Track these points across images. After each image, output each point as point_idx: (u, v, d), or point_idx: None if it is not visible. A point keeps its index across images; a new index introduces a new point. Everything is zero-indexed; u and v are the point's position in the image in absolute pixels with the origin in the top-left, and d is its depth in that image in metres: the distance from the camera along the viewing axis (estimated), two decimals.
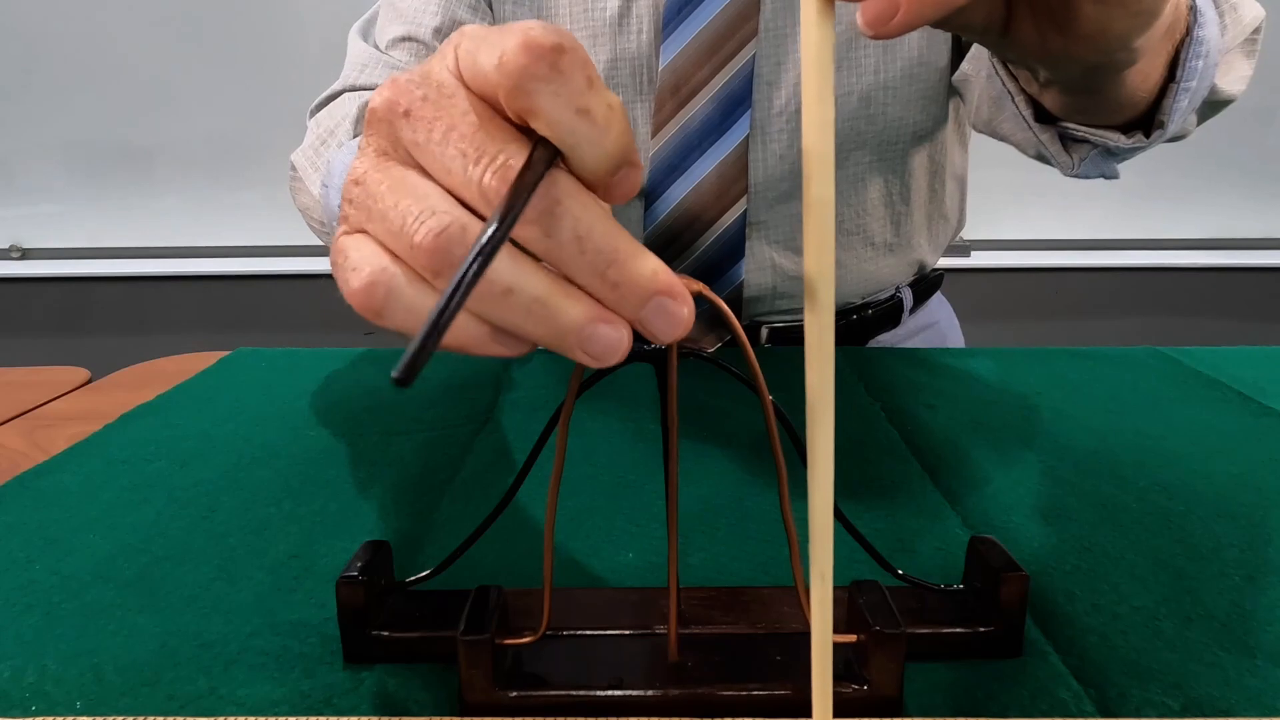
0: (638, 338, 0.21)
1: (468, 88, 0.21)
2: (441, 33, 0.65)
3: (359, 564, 0.31)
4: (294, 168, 0.60)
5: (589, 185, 0.21)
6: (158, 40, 1.78)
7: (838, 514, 0.31)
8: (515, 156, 0.21)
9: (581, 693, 0.29)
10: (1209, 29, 0.45)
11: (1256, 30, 0.54)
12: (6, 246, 1.93)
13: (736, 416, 0.55)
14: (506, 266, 0.21)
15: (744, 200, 0.66)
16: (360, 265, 0.22)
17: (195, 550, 0.40)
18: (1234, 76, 0.54)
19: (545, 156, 0.21)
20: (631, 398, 0.59)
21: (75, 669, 0.31)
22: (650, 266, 0.21)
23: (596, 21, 0.65)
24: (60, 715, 0.29)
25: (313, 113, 0.68)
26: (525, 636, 0.30)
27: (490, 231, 0.19)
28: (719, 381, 0.61)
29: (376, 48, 0.67)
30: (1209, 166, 1.87)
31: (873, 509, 0.43)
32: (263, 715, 0.29)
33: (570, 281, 0.21)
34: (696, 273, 0.67)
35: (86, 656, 0.32)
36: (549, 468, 0.48)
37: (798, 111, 0.64)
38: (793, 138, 0.65)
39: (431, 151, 0.22)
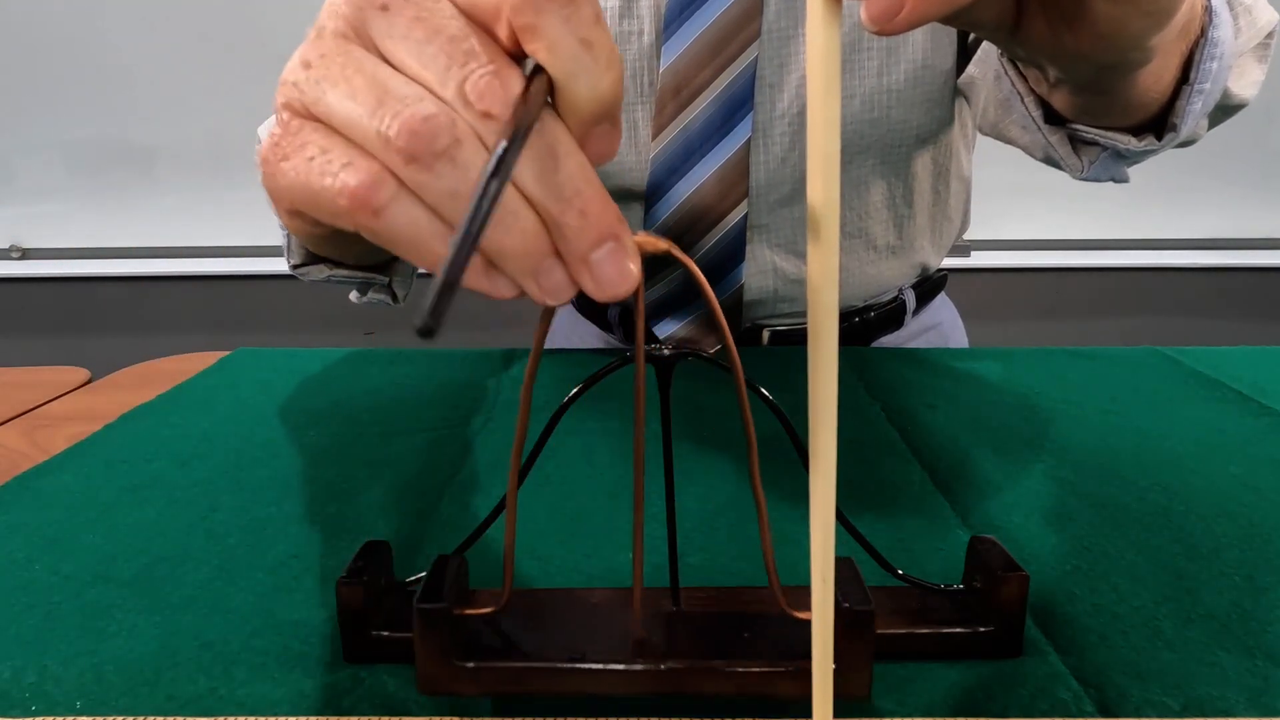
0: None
1: (455, 4, 0.20)
2: None
3: (359, 564, 0.31)
4: (260, 140, 0.56)
5: (571, 129, 0.20)
6: (158, 40, 1.78)
7: (838, 515, 0.31)
8: (505, 70, 0.20)
9: (542, 664, 0.28)
10: (1223, 30, 0.44)
11: (1270, 34, 0.53)
12: (6, 246, 1.93)
13: (737, 417, 0.55)
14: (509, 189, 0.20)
15: (744, 203, 0.65)
16: (353, 159, 0.20)
17: (195, 550, 0.40)
18: (1246, 81, 0.53)
19: (543, 86, 0.19)
20: (631, 398, 0.59)
21: (75, 669, 0.31)
22: (616, 210, 0.20)
23: None
24: (60, 715, 0.29)
25: None
26: (487, 607, 0.29)
27: (504, 147, 0.17)
28: (719, 382, 0.61)
29: None
30: (1209, 166, 1.87)
31: (873, 509, 0.43)
32: (263, 715, 0.29)
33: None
34: None
35: (86, 656, 0.32)
36: (549, 468, 0.48)
37: (800, 114, 0.64)
38: (794, 140, 0.65)
39: (408, 48, 0.20)
